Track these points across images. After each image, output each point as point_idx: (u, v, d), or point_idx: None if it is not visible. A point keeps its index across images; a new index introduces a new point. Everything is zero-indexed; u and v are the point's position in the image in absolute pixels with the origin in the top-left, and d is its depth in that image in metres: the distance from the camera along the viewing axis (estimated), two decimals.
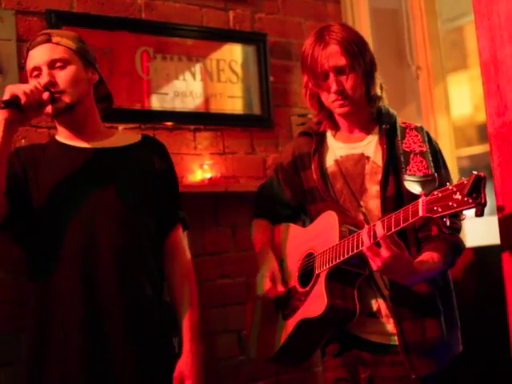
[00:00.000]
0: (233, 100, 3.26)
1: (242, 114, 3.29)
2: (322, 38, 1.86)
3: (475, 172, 1.47)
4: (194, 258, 3.01)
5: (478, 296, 2.99)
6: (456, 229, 1.83)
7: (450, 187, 1.51)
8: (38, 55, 1.85)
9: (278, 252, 2.09)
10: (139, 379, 1.78)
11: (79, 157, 1.89)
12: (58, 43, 1.85)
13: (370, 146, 1.94)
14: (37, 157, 1.89)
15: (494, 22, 1.63)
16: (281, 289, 1.97)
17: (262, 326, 2.12)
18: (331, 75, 1.86)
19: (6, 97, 1.72)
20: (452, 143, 3.56)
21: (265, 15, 3.42)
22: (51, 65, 1.83)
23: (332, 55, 1.84)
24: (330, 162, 1.98)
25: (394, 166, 1.87)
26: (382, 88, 1.95)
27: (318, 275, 1.86)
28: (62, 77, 1.83)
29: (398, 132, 1.90)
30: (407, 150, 1.86)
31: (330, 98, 1.89)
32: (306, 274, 1.93)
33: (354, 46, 1.85)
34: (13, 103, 1.70)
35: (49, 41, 1.85)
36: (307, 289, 1.90)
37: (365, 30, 3.44)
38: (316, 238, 1.93)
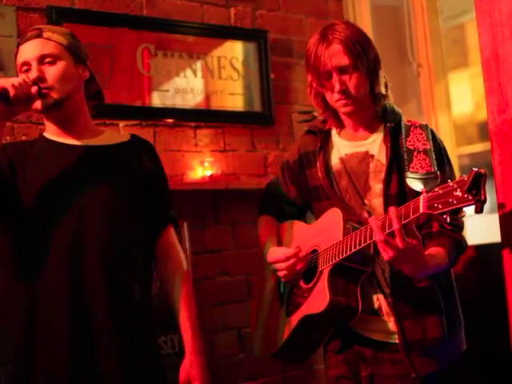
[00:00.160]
0: (233, 97, 3.26)
1: (243, 111, 3.29)
2: (326, 38, 1.86)
3: (475, 169, 1.47)
4: (194, 256, 3.04)
5: (479, 294, 2.98)
6: (459, 226, 1.83)
7: (451, 184, 1.51)
8: (28, 50, 1.83)
9: None
10: (126, 380, 1.77)
11: (68, 154, 1.87)
12: (48, 38, 1.84)
13: (375, 144, 1.94)
14: (25, 153, 1.87)
15: (495, 19, 1.63)
16: (290, 252, 1.94)
17: (266, 322, 2.13)
18: (334, 75, 1.85)
19: None
20: (453, 141, 3.56)
21: (266, 12, 3.42)
22: (41, 60, 1.81)
23: (335, 55, 1.84)
24: (335, 160, 1.98)
25: (397, 165, 1.87)
26: (386, 86, 1.95)
27: (321, 272, 1.87)
28: (51, 72, 1.81)
29: (403, 130, 1.90)
30: (411, 147, 1.86)
31: (333, 98, 1.90)
32: (311, 271, 1.93)
33: (358, 46, 1.84)
34: (1, 96, 1.69)
35: (39, 36, 1.83)
36: (310, 285, 1.90)
37: (366, 26, 3.44)
38: (320, 234, 1.93)
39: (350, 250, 1.76)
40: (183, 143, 3.11)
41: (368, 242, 1.71)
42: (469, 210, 1.55)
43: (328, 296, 1.78)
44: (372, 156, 1.93)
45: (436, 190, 1.54)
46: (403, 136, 1.89)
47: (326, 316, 1.81)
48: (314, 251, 1.94)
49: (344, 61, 1.84)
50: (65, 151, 1.87)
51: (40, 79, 1.78)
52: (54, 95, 1.80)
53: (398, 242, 1.60)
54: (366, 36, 1.92)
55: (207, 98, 3.19)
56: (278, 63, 3.41)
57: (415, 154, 1.84)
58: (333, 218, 1.89)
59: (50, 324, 1.75)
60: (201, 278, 3.07)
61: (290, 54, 3.46)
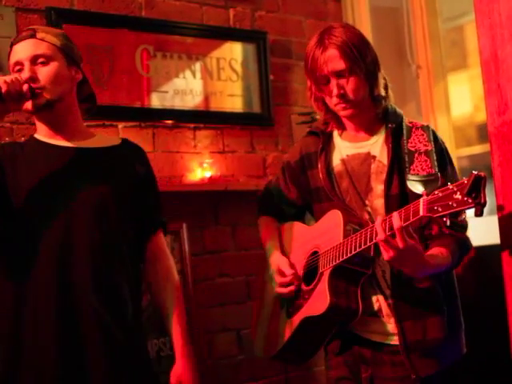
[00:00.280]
0: (233, 98, 3.26)
1: (242, 112, 3.29)
2: (322, 42, 1.86)
3: (475, 172, 1.47)
4: (193, 257, 3.03)
5: (478, 295, 2.98)
6: (463, 226, 1.84)
7: (451, 187, 1.51)
8: (21, 50, 1.82)
9: (283, 250, 2.10)
10: (114, 379, 1.76)
11: (59, 155, 1.86)
12: (42, 39, 1.83)
13: (377, 145, 1.94)
14: (15, 154, 1.86)
15: (494, 20, 1.63)
16: (290, 272, 1.95)
17: (268, 324, 2.13)
18: (332, 79, 1.86)
19: None
20: (452, 143, 3.55)
21: (265, 13, 3.42)
22: (33, 60, 1.81)
23: (330, 59, 1.84)
24: (336, 161, 1.98)
25: (398, 165, 1.87)
26: (386, 87, 1.95)
27: (322, 274, 1.87)
28: (44, 73, 1.81)
29: (404, 131, 1.91)
30: (412, 149, 1.86)
31: (332, 102, 1.90)
32: (311, 273, 1.93)
33: (354, 50, 1.84)
34: None
35: (33, 36, 1.83)
36: (311, 287, 1.90)
37: (365, 28, 3.44)
38: (321, 236, 1.93)
39: (351, 252, 1.76)
40: (182, 144, 3.11)
41: (368, 244, 1.71)
42: (468, 212, 1.55)
43: (328, 298, 1.78)
44: (374, 157, 1.93)
45: (436, 192, 1.54)
46: (404, 137, 1.89)
47: (327, 318, 1.81)
48: (315, 253, 1.94)
49: (340, 65, 1.84)
50: (56, 152, 1.87)
51: (32, 79, 1.78)
52: (46, 95, 1.80)
53: (399, 242, 1.61)
54: (364, 38, 1.91)
55: (206, 99, 3.19)
56: (278, 64, 3.41)
57: (416, 155, 1.84)
58: (333, 219, 1.88)
59: (38, 323, 1.75)
60: (200, 279, 3.07)
61: (290, 55, 3.46)
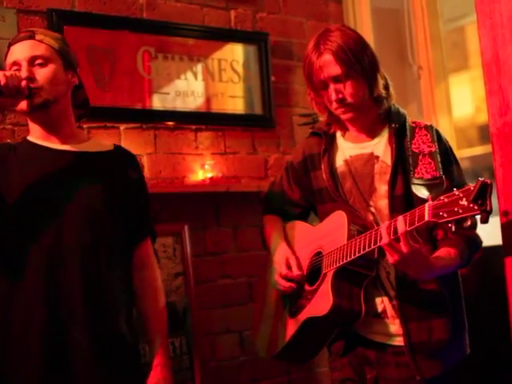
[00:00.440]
0: (234, 100, 3.26)
1: (244, 113, 3.29)
2: (318, 47, 1.86)
3: (481, 178, 1.47)
4: (194, 258, 3.03)
5: (481, 296, 2.98)
6: (472, 225, 1.83)
7: (457, 193, 1.51)
8: (19, 51, 1.83)
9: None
10: (102, 379, 1.76)
11: (52, 157, 1.86)
12: (41, 41, 1.84)
13: (380, 145, 1.94)
14: (8, 155, 1.86)
15: (496, 21, 1.63)
16: (297, 272, 1.95)
17: (271, 324, 2.12)
18: (330, 84, 1.86)
19: None
20: (453, 144, 3.54)
21: (266, 15, 3.42)
22: (31, 61, 1.81)
23: (326, 65, 1.84)
24: (339, 162, 1.98)
25: (402, 166, 1.87)
26: (387, 87, 1.95)
27: (325, 274, 1.86)
28: (41, 74, 1.81)
29: (408, 131, 1.90)
30: (416, 151, 1.85)
31: (332, 106, 1.90)
32: (315, 273, 1.93)
33: (349, 53, 1.83)
34: None
35: (32, 37, 1.84)
36: (314, 287, 1.90)
37: (366, 29, 3.44)
38: (325, 237, 1.93)
39: (355, 254, 1.76)
40: (184, 146, 3.11)
41: (372, 247, 1.71)
42: None
43: (331, 299, 1.78)
44: (377, 157, 1.92)
45: (442, 198, 1.54)
46: (408, 138, 1.89)
47: (329, 319, 1.81)
48: (319, 253, 1.94)
49: (336, 70, 1.84)
50: (49, 155, 1.87)
51: (30, 79, 1.78)
52: (44, 95, 1.80)
53: (403, 246, 1.61)
54: (361, 40, 1.90)
55: (208, 100, 3.20)
56: (279, 66, 3.41)
57: (420, 157, 1.83)
58: (337, 220, 1.88)
59: (25, 324, 1.75)
60: (202, 280, 3.07)
61: (291, 56, 3.46)
